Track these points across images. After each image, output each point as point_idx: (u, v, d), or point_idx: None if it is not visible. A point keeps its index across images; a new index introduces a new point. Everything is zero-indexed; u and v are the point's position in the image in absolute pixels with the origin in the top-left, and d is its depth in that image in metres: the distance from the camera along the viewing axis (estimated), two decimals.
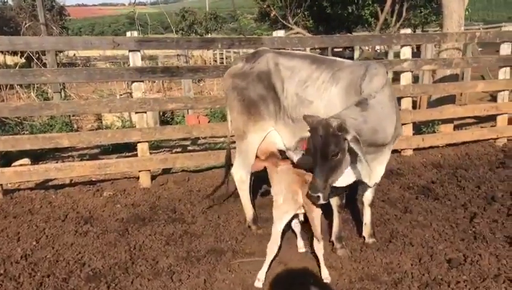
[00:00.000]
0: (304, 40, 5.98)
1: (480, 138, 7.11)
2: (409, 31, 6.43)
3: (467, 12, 23.22)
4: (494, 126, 7.16)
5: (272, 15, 19.05)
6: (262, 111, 4.15)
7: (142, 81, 5.50)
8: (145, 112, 5.57)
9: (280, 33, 5.85)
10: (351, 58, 14.23)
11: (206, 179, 5.90)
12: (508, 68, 6.81)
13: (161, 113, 9.84)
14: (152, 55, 11.23)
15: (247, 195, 4.58)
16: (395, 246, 4.12)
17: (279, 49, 5.65)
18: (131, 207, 5.13)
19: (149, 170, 5.69)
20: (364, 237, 4.28)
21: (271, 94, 4.10)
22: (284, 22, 18.42)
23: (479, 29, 35.18)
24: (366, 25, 20.68)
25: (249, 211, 4.58)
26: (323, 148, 3.09)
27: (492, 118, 7.67)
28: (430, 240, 4.23)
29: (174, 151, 7.59)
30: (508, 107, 7.07)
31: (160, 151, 7.51)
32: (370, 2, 18.81)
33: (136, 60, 5.36)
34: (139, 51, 5.39)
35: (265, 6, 20.42)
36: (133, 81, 5.46)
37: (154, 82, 13.42)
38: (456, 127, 7.60)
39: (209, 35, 30.86)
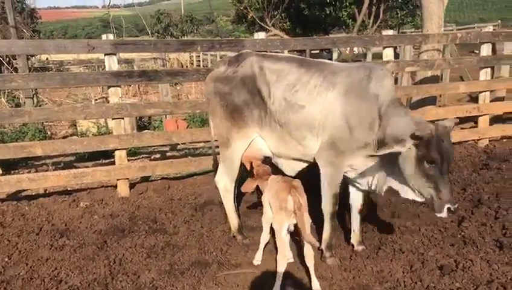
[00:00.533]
0: (286, 42, 5.86)
1: (462, 140, 7.09)
2: (391, 32, 6.37)
3: None
4: (476, 127, 7.14)
5: (249, 17, 18.93)
6: (247, 117, 3.99)
7: (119, 86, 5.27)
8: (123, 118, 5.34)
9: (261, 35, 5.70)
10: (330, 59, 14.19)
11: (187, 186, 5.71)
12: (489, 69, 6.82)
13: (138, 118, 9.60)
14: (128, 58, 10.95)
15: (232, 204, 4.42)
16: (385, 253, 4.01)
17: (261, 51, 5.51)
18: (110, 218, 4.90)
19: (127, 179, 5.46)
20: (353, 245, 4.17)
21: (256, 99, 3.94)
22: (261, 23, 18.31)
23: (452, 30, 35.81)
24: (343, 27, 20.74)
25: (233, 220, 4.42)
26: (452, 154, 3.29)
27: (471, 119, 7.69)
28: (420, 246, 4.14)
29: (152, 157, 7.37)
30: (489, 108, 7.07)
31: (139, 158, 7.28)
32: (347, 4, 18.87)
33: (112, 64, 5.13)
34: (115, 54, 5.17)
35: (242, 8, 20.29)
36: (109, 86, 5.23)
37: (130, 86, 13.13)
38: None
39: (185, 38, 30.55)
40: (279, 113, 3.85)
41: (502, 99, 8.04)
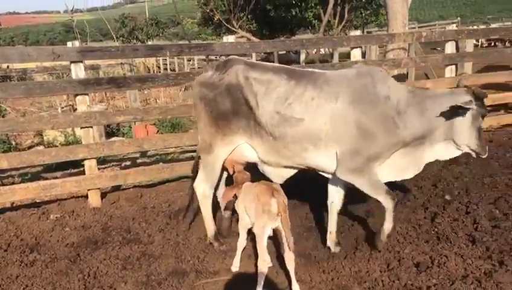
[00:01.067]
0: (255, 45, 5.85)
1: None
2: (357, 32, 6.44)
3: None
4: None
5: (215, 19, 18.85)
6: (233, 125, 3.92)
7: (87, 94, 5.15)
8: (91, 127, 5.21)
9: (230, 38, 5.67)
10: (297, 60, 14.31)
11: (160, 194, 5.61)
12: (454, 66, 6.98)
13: (107, 125, 9.41)
14: (93, 64, 10.72)
15: (209, 211, 4.35)
16: (362, 253, 4.05)
17: (230, 54, 5.48)
18: (82, 229, 4.77)
19: (99, 188, 5.33)
20: (329, 247, 4.19)
21: (243, 108, 3.86)
22: (228, 25, 18.27)
23: (415, 28, 36.62)
24: (309, 27, 20.89)
25: (210, 226, 4.36)
26: None
27: None
28: (395, 244, 4.19)
29: (123, 165, 7.24)
30: None
31: (108, 166, 7.14)
32: (313, 5, 19.01)
33: (78, 71, 5.00)
34: (81, 61, 5.04)
35: (208, 10, 20.19)
36: (76, 95, 5.10)
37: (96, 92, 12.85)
38: None
39: (151, 41, 30.22)
40: (272, 126, 3.77)
41: None
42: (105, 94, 13.53)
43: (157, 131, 9.28)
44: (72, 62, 4.99)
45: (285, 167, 4.01)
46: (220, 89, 3.90)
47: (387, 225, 4.01)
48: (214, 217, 4.47)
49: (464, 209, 4.70)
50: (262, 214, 3.38)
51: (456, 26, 31.44)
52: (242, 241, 3.87)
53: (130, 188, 5.87)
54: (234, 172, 4.10)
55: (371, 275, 3.70)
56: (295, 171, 4.08)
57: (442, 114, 3.68)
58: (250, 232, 3.75)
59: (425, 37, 6.65)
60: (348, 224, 4.67)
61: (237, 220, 3.92)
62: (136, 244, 4.39)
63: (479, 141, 3.80)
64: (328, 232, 4.21)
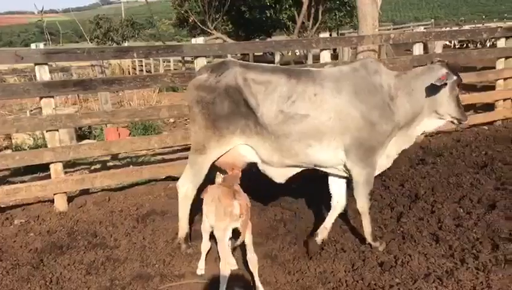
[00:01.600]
0: (225, 47, 5.84)
1: None
2: (327, 34, 6.50)
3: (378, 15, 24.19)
4: None
5: (190, 20, 18.75)
6: (232, 126, 3.92)
7: (52, 96, 5.06)
8: (57, 130, 5.13)
9: (200, 40, 5.65)
10: (272, 62, 14.34)
11: (129, 197, 5.53)
12: None
13: (78, 128, 9.28)
14: (64, 66, 10.54)
15: (187, 212, 4.28)
16: (328, 253, 4.08)
17: (200, 56, 5.46)
18: (47, 235, 4.68)
19: (65, 193, 5.25)
20: (316, 235, 4.22)
21: (242, 110, 3.89)
22: (203, 27, 18.20)
23: (390, 29, 37.06)
24: (284, 29, 20.96)
25: (183, 229, 4.31)
26: None
27: None
28: (361, 244, 4.23)
29: (92, 168, 7.14)
30: None
31: (78, 170, 7.03)
32: (287, 6, 19.06)
33: (43, 74, 4.91)
34: (46, 64, 4.95)
35: (183, 11, 20.07)
36: (41, 97, 5.01)
37: (68, 95, 12.65)
38: None
39: (126, 43, 29.92)
40: (276, 125, 3.82)
41: None
42: (78, 97, 13.35)
43: (129, 134, 9.17)
44: (36, 64, 4.90)
45: (288, 166, 4.06)
46: (218, 90, 3.91)
47: (368, 230, 4.12)
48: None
49: (430, 209, 4.78)
50: (223, 217, 3.37)
51: (426, 28, 31.92)
52: (205, 244, 3.86)
53: (98, 191, 5.79)
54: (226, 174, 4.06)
55: (335, 275, 3.73)
56: (297, 170, 4.14)
57: (426, 91, 3.93)
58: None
59: (394, 39, 6.74)
60: (315, 226, 4.70)
61: None
62: (102, 249, 4.33)
63: (458, 108, 3.99)
64: (323, 227, 4.26)
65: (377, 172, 4.15)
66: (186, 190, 4.21)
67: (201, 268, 3.87)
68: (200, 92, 3.98)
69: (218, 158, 4.07)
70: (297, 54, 20.05)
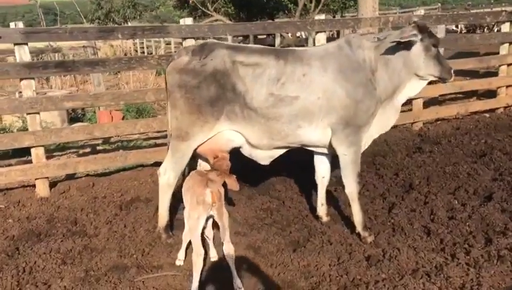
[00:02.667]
0: (214, 28, 5.60)
1: (397, 123, 7.08)
2: (323, 16, 6.23)
3: None
4: (411, 110, 7.17)
5: (190, 2, 18.39)
6: (217, 111, 3.79)
7: (33, 78, 4.87)
8: (38, 113, 4.95)
9: (188, 21, 5.41)
10: (273, 44, 14.07)
11: (114, 183, 5.36)
12: None
13: (71, 110, 9.10)
14: (56, 47, 10.32)
15: (168, 201, 4.12)
16: (313, 246, 3.91)
17: (188, 38, 5.26)
18: (26, 221, 4.54)
19: (47, 178, 5.09)
20: (321, 217, 4.37)
21: (229, 95, 3.76)
22: (203, 9, 17.84)
23: (396, 13, 36.50)
24: (286, 11, 20.53)
25: (163, 217, 4.14)
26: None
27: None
28: (348, 236, 4.08)
29: (82, 152, 6.98)
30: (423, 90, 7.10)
31: (66, 153, 6.87)
32: None
33: (23, 54, 4.71)
34: (26, 44, 4.75)
35: None
36: (21, 79, 4.82)
37: (66, 76, 12.47)
38: None
39: (128, 24, 29.57)
40: (266, 108, 3.75)
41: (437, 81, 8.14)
42: (75, 78, 13.16)
43: (123, 117, 8.99)
44: (15, 44, 4.71)
45: (276, 147, 4.03)
46: (204, 74, 3.74)
47: (357, 218, 4.03)
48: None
49: (423, 200, 4.60)
50: (197, 206, 3.25)
51: (427, 12, 31.40)
52: (187, 234, 3.69)
53: (82, 177, 5.62)
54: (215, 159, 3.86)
55: (319, 269, 3.57)
56: (284, 150, 4.11)
57: (399, 56, 3.83)
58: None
59: (392, 22, 6.49)
60: (302, 214, 4.54)
61: None
62: (80, 237, 4.18)
63: (439, 66, 3.87)
64: (320, 204, 4.36)
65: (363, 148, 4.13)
66: (167, 177, 4.05)
67: (180, 259, 3.72)
68: (183, 76, 3.79)
69: (200, 145, 3.92)
70: (299, 37, 19.71)
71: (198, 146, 3.94)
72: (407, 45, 3.76)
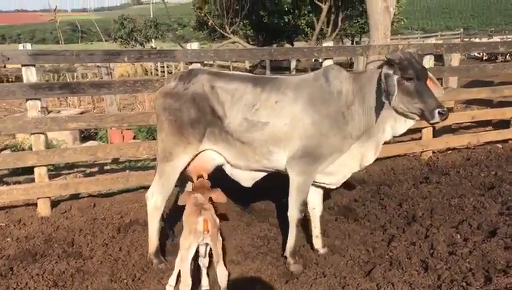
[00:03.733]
0: (220, 53, 5.63)
1: (407, 152, 7.00)
2: (331, 43, 6.24)
3: (402, 22, 23.85)
4: (420, 139, 7.06)
5: (209, 24, 18.68)
6: (197, 134, 3.93)
7: (39, 99, 4.96)
8: (43, 133, 5.02)
9: (194, 45, 5.48)
10: (288, 68, 14.13)
11: (115, 204, 5.39)
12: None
13: (85, 129, 9.23)
14: (70, 67, 10.54)
15: (157, 225, 4.14)
16: (306, 278, 3.82)
17: (193, 62, 5.30)
18: (24, 241, 4.57)
19: (48, 197, 5.13)
20: (317, 250, 4.31)
21: (208, 117, 3.90)
22: (221, 31, 18.08)
23: (417, 38, 36.36)
24: (303, 35, 20.67)
25: (153, 242, 4.13)
26: (425, 70, 3.57)
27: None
28: (344, 268, 3.97)
29: (89, 171, 7.04)
30: None
31: (73, 172, 6.94)
32: (306, 12, 18.81)
33: (29, 75, 4.82)
34: (33, 65, 4.86)
35: (202, 15, 20.01)
36: (27, 99, 4.91)
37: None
38: None
39: (151, 44, 30.14)
40: (240, 133, 3.85)
41: (451, 110, 8.04)
42: (92, 97, 13.37)
43: (134, 137, 9.09)
44: (23, 65, 4.81)
45: (255, 170, 4.08)
46: (185, 98, 3.91)
47: (290, 243, 4.04)
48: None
49: (424, 233, 4.49)
50: (188, 235, 3.25)
51: (455, 37, 31.30)
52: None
53: (85, 197, 5.66)
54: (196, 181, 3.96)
55: None
56: (264, 173, 4.14)
57: (375, 92, 3.70)
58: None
59: (402, 50, 6.42)
60: (299, 244, 4.46)
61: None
62: (75, 259, 4.18)
63: (416, 104, 3.52)
64: (314, 237, 4.31)
65: (332, 185, 4.11)
66: (155, 201, 4.11)
67: (171, 285, 3.67)
68: (167, 100, 3.98)
69: (186, 167, 4.02)
70: (316, 60, 19.74)
71: (184, 168, 4.02)
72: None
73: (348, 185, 5.50)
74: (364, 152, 3.90)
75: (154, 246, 4.14)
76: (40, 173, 5.05)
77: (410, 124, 3.76)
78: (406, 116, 3.68)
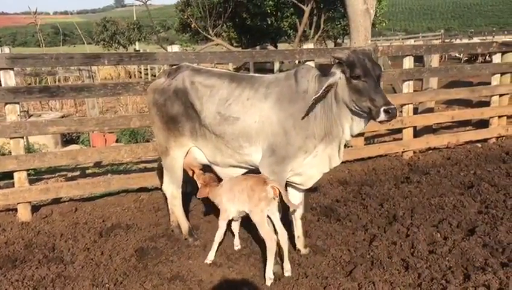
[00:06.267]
0: (201, 56, 5.63)
1: (387, 152, 7.08)
2: (312, 45, 6.27)
3: (384, 24, 24.02)
4: (401, 139, 7.14)
5: (192, 26, 18.64)
6: (181, 128, 4.20)
7: (17, 102, 4.91)
8: (22, 137, 4.96)
9: (175, 48, 5.47)
10: (272, 70, 14.16)
11: (97, 208, 5.34)
12: (412, 82, 6.83)
13: (67, 133, 9.14)
14: (50, 70, 10.43)
15: (181, 209, 4.58)
16: (288, 278, 3.84)
17: (175, 64, 5.29)
18: (4, 246, 4.50)
19: (29, 202, 5.07)
20: (299, 249, 4.30)
21: (189, 112, 4.13)
22: (204, 33, 18.08)
23: (399, 39, 36.75)
24: (285, 37, 20.77)
25: (184, 224, 4.55)
26: (377, 68, 3.50)
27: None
28: (325, 269, 4.00)
29: (70, 175, 6.98)
30: (413, 120, 7.10)
31: (54, 176, 6.87)
32: (288, 14, 18.90)
33: (8, 79, 4.77)
34: (12, 69, 4.81)
35: (185, 17, 19.97)
36: (6, 103, 4.86)
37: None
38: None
39: (134, 46, 29.95)
40: (214, 125, 4.01)
41: (431, 110, 8.16)
42: (74, 101, 13.25)
43: (117, 140, 9.03)
44: (1, 69, 4.76)
45: (231, 166, 4.19)
46: (169, 93, 4.17)
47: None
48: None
49: (405, 232, 4.54)
50: (259, 202, 3.68)
51: (436, 38, 31.73)
52: (221, 233, 4.07)
53: (66, 201, 5.61)
54: (193, 175, 4.34)
55: None
56: (243, 170, 4.22)
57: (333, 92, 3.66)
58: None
59: (382, 52, 6.51)
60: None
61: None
62: (56, 264, 4.14)
63: (367, 102, 3.42)
64: (296, 237, 4.32)
65: (303, 186, 4.12)
66: (171, 191, 4.50)
67: (211, 260, 4.12)
68: (155, 95, 4.27)
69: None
70: (299, 61, 19.84)
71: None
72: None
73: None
74: (330, 153, 3.88)
75: (186, 227, 4.55)
76: (20, 177, 4.99)
77: (365, 123, 3.66)
78: (359, 115, 3.59)
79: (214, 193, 4.10)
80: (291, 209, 4.27)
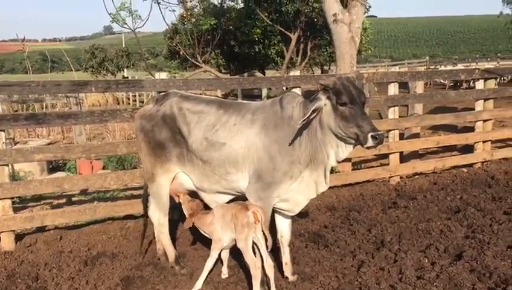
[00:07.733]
0: (189, 83, 5.67)
1: (374, 177, 7.11)
2: (298, 72, 6.36)
3: (370, 51, 24.36)
4: (388, 165, 7.19)
5: (181, 53, 18.82)
6: (168, 153, 4.21)
7: (3, 130, 4.88)
8: (7, 165, 4.92)
9: (163, 75, 5.53)
10: (259, 96, 14.26)
11: (82, 236, 5.27)
12: (397, 108, 6.92)
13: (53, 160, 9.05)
14: (37, 97, 10.42)
15: (167, 236, 4.53)
16: None
17: (162, 92, 5.32)
18: None
19: (12, 231, 4.99)
20: (287, 277, 4.25)
21: (177, 137, 4.15)
22: (192, 60, 18.24)
23: (384, 66, 37.34)
24: (273, 64, 21.01)
25: (171, 252, 4.49)
26: (362, 95, 3.55)
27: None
28: None
29: (56, 203, 6.89)
30: (400, 146, 7.17)
31: (40, 204, 6.78)
32: (275, 42, 19.18)
33: None
34: None
35: (174, 44, 20.17)
36: None
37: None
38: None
39: (122, 73, 30.05)
40: (201, 151, 4.02)
41: (417, 135, 8.25)
42: (61, 128, 13.17)
43: (103, 167, 8.96)
44: None
45: (218, 192, 4.18)
46: (157, 119, 4.20)
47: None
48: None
49: (393, 258, 4.53)
50: (242, 229, 3.67)
51: (426, 65, 32.33)
52: (213, 262, 4.04)
53: (51, 229, 5.52)
54: (179, 202, 4.32)
55: None
56: (229, 197, 4.22)
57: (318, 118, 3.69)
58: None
59: (367, 78, 6.62)
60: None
61: None
62: None
63: (354, 128, 3.44)
64: (284, 264, 4.29)
65: (291, 212, 4.12)
66: (157, 218, 4.46)
67: (199, 288, 4.03)
68: (142, 121, 4.30)
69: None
70: (287, 88, 20.06)
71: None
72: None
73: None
74: (316, 179, 3.88)
75: (173, 255, 4.49)
76: (4, 206, 4.92)
77: (350, 149, 3.68)
78: (345, 141, 3.61)
79: (203, 221, 4.05)
80: (278, 236, 4.28)
